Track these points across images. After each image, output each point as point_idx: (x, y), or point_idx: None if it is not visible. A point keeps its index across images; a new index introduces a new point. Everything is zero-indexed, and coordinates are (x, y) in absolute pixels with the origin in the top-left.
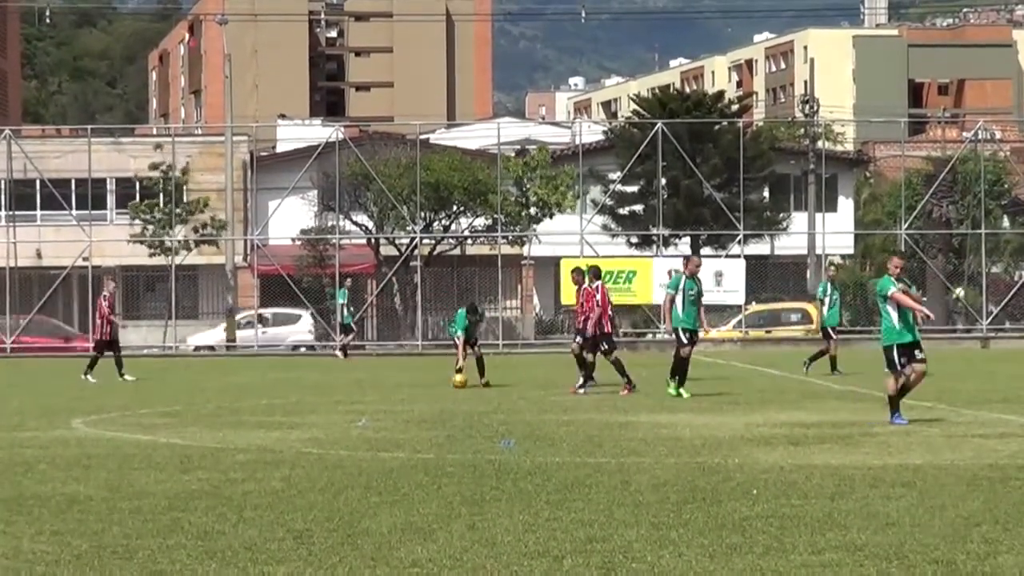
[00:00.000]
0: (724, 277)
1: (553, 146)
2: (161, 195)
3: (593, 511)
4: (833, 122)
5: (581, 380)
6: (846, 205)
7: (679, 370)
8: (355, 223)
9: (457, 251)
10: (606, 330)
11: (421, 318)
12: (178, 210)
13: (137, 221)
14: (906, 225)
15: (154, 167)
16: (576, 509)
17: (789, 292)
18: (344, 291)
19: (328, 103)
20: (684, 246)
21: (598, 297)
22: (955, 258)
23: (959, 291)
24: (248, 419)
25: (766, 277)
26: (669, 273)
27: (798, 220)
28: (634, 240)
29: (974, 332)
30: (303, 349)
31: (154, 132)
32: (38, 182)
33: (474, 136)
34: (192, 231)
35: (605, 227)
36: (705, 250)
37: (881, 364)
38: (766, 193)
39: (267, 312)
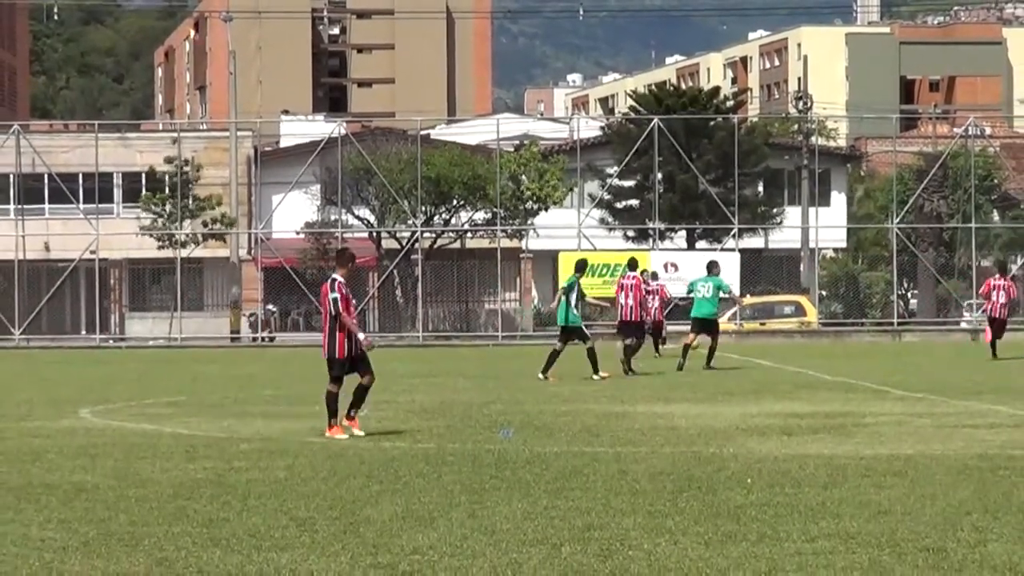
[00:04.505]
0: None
1: (551, 141)
2: (168, 188)
3: (591, 500)
4: (826, 118)
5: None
6: (839, 200)
7: None
8: (357, 217)
9: (457, 244)
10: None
11: (422, 310)
12: (192, 205)
13: (146, 214)
14: (898, 219)
15: (168, 161)
16: (574, 498)
17: (783, 285)
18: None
19: (331, 99)
20: (680, 239)
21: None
22: (946, 252)
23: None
24: (252, 409)
25: (760, 270)
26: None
27: (792, 214)
28: (631, 234)
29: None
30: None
31: (160, 128)
32: (46, 176)
33: (474, 131)
34: (201, 225)
35: (602, 221)
36: (700, 244)
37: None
38: (760, 188)
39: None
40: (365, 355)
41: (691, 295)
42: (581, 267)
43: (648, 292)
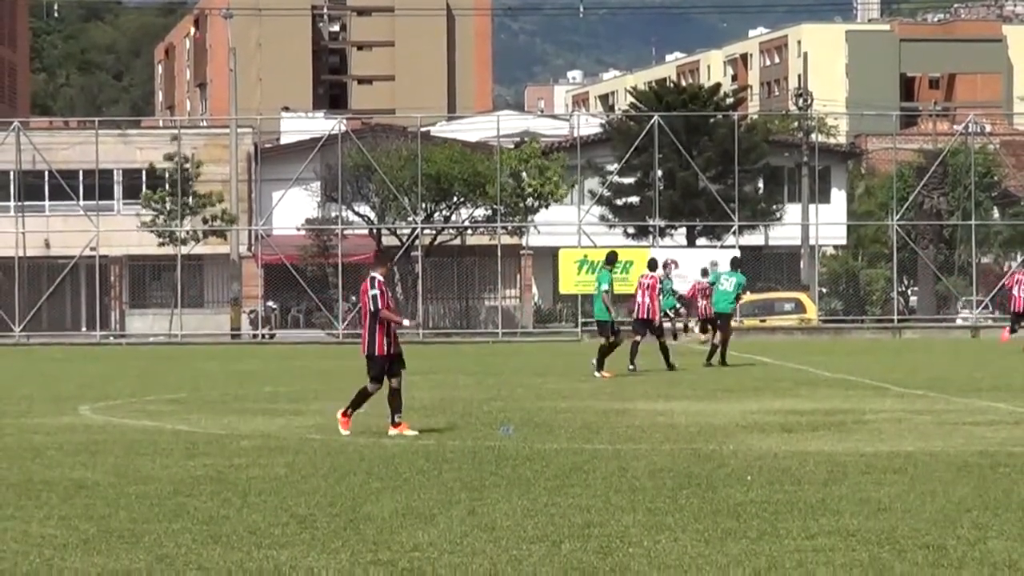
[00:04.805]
0: (719, 267)
1: (552, 138)
2: (168, 185)
3: (591, 497)
4: (826, 115)
5: None
6: (839, 197)
7: None
8: (357, 214)
9: (457, 241)
10: None
11: (422, 307)
12: (191, 202)
13: (146, 210)
14: (898, 216)
15: (169, 158)
16: (574, 495)
17: (783, 282)
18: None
19: (331, 96)
20: (680, 236)
21: None
22: (946, 249)
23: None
24: (252, 406)
25: (760, 267)
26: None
27: (792, 211)
28: (631, 231)
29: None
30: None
31: (160, 124)
32: (46, 173)
33: (474, 128)
34: (201, 222)
35: (602, 218)
36: (700, 241)
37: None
38: (760, 185)
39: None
40: (400, 355)
41: (713, 285)
42: (611, 259)
43: (700, 289)
